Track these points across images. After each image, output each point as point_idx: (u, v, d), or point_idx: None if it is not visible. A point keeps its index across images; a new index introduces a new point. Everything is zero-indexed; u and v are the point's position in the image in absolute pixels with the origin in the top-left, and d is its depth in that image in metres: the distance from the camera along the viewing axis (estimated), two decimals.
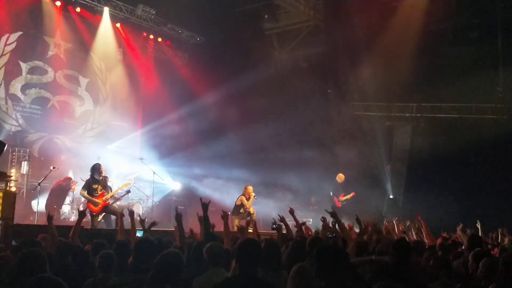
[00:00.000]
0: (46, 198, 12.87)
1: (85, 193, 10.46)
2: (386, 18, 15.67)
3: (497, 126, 14.69)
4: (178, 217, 6.25)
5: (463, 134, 14.30)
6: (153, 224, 6.80)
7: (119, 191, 11.73)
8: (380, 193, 16.25)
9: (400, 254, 4.24)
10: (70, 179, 13.48)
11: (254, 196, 12.45)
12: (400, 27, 15.39)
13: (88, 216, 10.22)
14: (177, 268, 3.97)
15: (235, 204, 12.56)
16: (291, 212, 8.37)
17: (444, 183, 14.79)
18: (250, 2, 17.72)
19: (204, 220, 6.03)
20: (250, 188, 12.58)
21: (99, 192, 10.51)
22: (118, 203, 12.20)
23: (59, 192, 13.22)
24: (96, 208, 10.40)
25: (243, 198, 12.43)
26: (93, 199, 10.40)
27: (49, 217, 6.54)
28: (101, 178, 10.68)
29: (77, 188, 12.70)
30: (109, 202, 10.71)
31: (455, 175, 14.54)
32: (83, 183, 10.85)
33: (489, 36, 15.48)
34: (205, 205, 6.18)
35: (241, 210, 12.29)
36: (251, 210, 12.38)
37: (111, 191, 10.98)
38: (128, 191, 12.12)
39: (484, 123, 14.92)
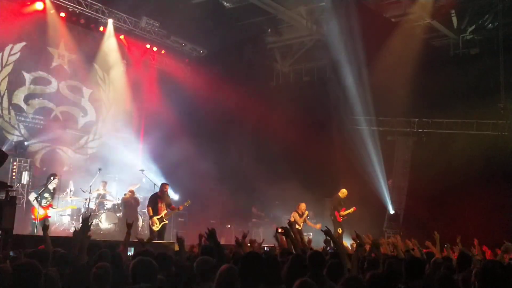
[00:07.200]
0: None
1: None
2: (388, 33, 15.75)
3: (498, 142, 14.69)
4: (180, 242, 6.00)
5: (464, 150, 14.28)
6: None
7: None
8: (380, 208, 16.18)
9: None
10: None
11: (307, 214, 12.66)
12: (402, 42, 15.46)
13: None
14: None
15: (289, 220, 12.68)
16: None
17: (445, 199, 14.76)
18: (253, 15, 17.80)
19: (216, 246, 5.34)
20: (303, 205, 12.88)
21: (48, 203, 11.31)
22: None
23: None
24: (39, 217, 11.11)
25: (296, 214, 12.57)
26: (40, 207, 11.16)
27: (44, 227, 6.55)
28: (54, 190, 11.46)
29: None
30: (50, 216, 11.54)
31: (456, 191, 14.50)
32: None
33: (490, 52, 15.55)
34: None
35: (296, 226, 12.34)
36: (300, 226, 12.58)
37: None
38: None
39: (485, 139, 14.90)
